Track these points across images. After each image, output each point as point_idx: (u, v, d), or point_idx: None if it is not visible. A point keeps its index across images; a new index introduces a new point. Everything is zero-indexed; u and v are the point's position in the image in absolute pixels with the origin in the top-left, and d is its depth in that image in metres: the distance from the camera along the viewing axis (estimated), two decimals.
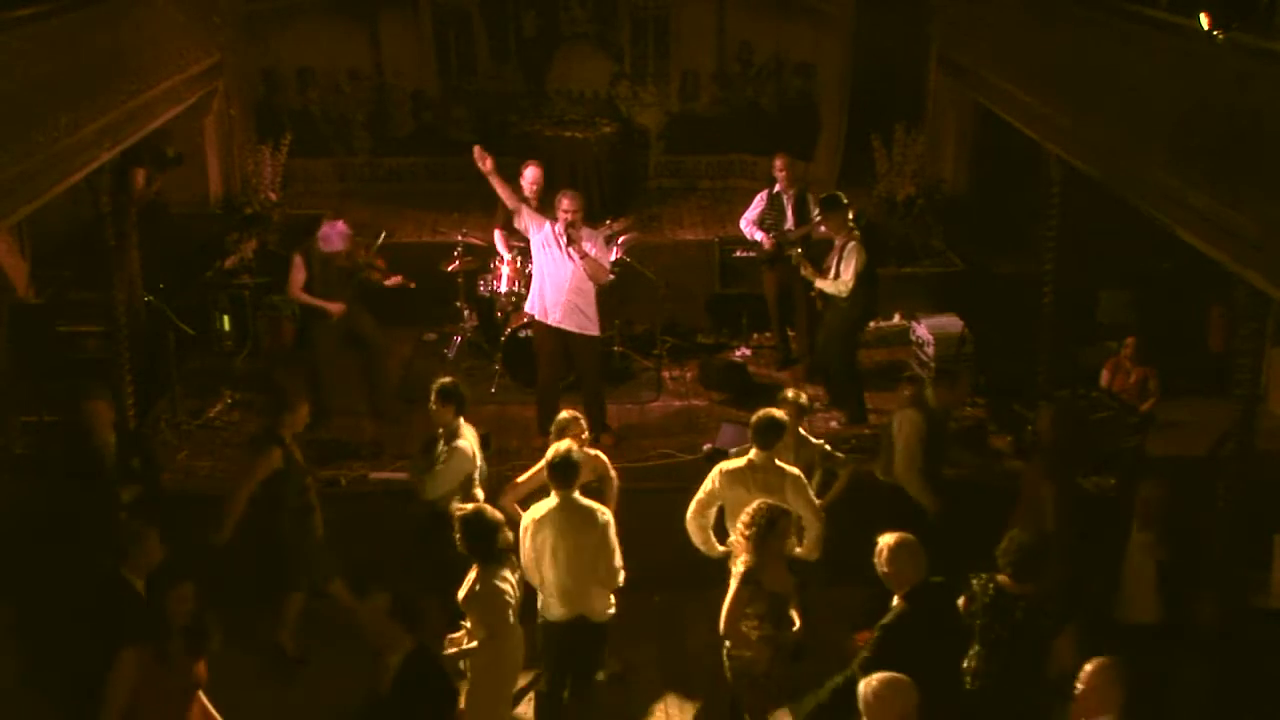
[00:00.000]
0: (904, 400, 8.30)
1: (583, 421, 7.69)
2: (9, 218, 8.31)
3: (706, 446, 9.69)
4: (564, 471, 6.90)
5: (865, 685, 5.34)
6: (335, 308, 9.89)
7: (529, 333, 10.16)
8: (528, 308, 9.72)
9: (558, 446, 7.02)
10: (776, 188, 11.08)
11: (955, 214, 12.71)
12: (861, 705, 5.32)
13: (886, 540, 6.24)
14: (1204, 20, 6.97)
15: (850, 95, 13.62)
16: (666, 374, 11.17)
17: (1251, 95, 6.97)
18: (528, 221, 9.53)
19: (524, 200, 9.94)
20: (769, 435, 7.39)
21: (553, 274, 9.47)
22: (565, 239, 9.33)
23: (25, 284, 10.76)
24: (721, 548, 7.35)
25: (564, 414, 7.73)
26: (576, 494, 6.95)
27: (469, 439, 7.87)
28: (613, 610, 7.05)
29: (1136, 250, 10.77)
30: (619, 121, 13.91)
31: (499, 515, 6.63)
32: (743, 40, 14.07)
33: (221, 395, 10.68)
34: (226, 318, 11.56)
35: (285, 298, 10.48)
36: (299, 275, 9.98)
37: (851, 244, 9.90)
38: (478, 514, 6.58)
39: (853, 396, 10.29)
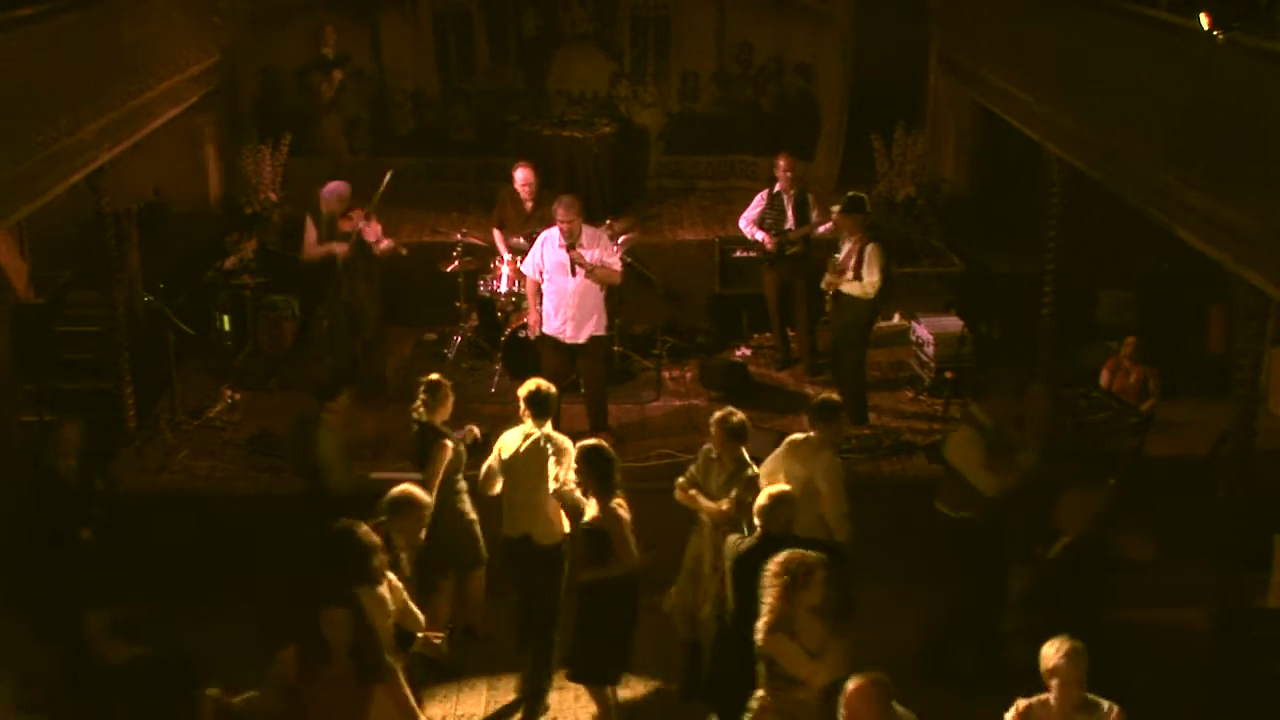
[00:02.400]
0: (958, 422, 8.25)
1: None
2: (9, 218, 8.32)
3: (706, 446, 9.70)
4: (539, 404, 7.43)
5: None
6: (340, 247, 10.13)
7: (530, 333, 10.16)
8: (546, 329, 9.67)
9: (529, 385, 7.53)
10: (777, 187, 11.07)
11: (955, 214, 12.71)
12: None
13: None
14: (1204, 20, 6.98)
15: (850, 95, 13.62)
16: (666, 374, 11.17)
17: (1251, 95, 6.97)
18: (537, 261, 9.61)
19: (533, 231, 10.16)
20: (731, 435, 7.43)
21: (559, 284, 9.49)
22: (568, 251, 9.37)
23: (25, 284, 10.75)
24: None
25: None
26: (549, 428, 7.45)
27: None
28: (560, 538, 7.45)
29: (1136, 250, 10.76)
30: (619, 121, 13.91)
31: (374, 537, 6.27)
32: (743, 41, 14.07)
33: (221, 395, 10.68)
34: (226, 318, 11.57)
35: (301, 258, 10.53)
36: (311, 235, 10.25)
37: (872, 245, 9.93)
38: (348, 531, 6.19)
39: (859, 397, 10.31)
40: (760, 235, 11.02)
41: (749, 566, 6.34)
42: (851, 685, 5.28)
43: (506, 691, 7.77)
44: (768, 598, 5.90)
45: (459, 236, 11.31)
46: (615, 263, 9.69)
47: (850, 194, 10.30)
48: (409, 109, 14.15)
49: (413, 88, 14.12)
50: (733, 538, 6.80)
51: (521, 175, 10.94)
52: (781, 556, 5.93)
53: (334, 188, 10.32)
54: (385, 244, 10.36)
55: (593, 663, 7.13)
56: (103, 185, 9.41)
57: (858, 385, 10.31)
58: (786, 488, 6.70)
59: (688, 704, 7.51)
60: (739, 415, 7.45)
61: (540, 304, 9.66)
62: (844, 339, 10.29)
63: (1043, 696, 5.50)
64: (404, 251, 10.79)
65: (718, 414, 7.48)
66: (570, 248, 9.41)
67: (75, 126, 8.68)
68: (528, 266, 9.72)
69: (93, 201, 9.50)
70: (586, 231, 9.60)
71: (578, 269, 9.42)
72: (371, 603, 6.10)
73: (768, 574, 5.91)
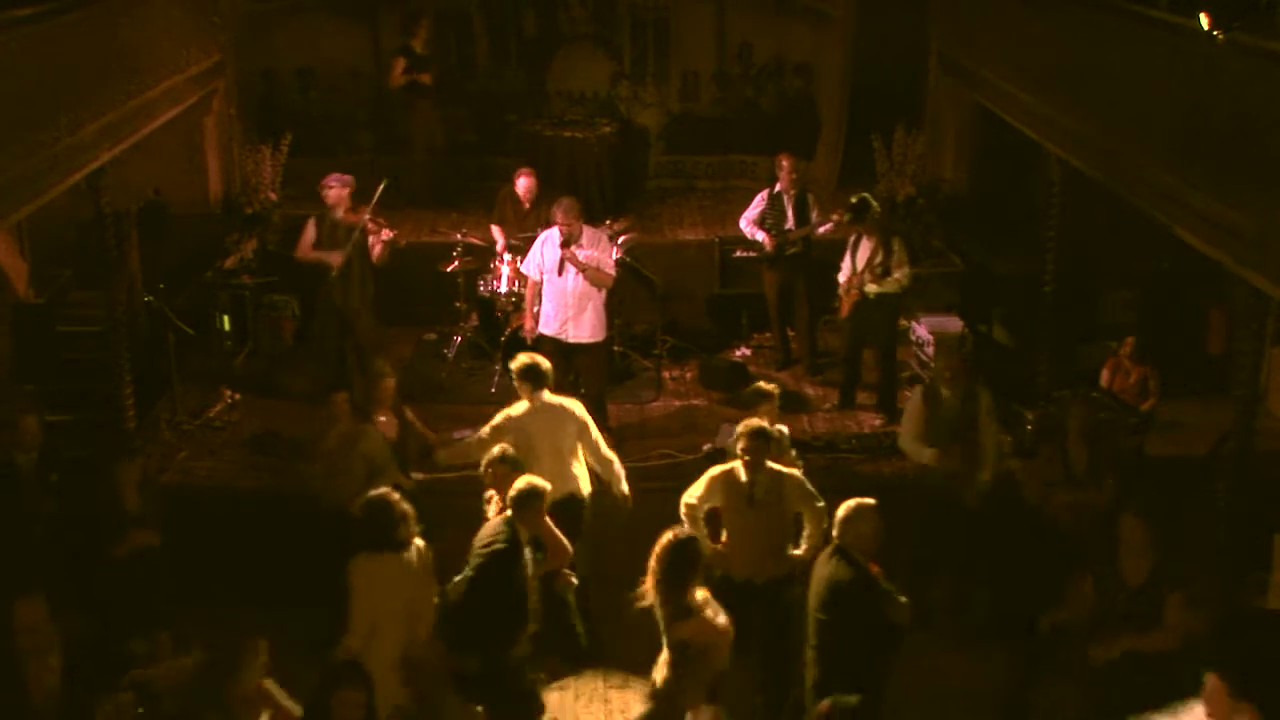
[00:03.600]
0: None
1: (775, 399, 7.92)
2: (9, 218, 8.32)
3: (707, 446, 9.72)
4: (533, 375, 7.72)
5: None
6: (335, 258, 10.05)
7: (526, 335, 10.16)
8: (542, 328, 9.67)
9: (520, 358, 7.85)
10: (777, 187, 11.08)
11: (955, 214, 12.71)
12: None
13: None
14: (1204, 20, 6.98)
15: (850, 95, 13.62)
16: (666, 374, 11.17)
17: (1251, 95, 6.97)
18: (538, 261, 9.59)
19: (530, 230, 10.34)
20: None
21: (557, 285, 9.48)
22: (561, 249, 9.37)
23: (25, 284, 10.75)
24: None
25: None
26: (547, 394, 7.76)
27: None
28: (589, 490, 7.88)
29: (1136, 250, 10.76)
30: (619, 121, 13.91)
31: (406, 506, 6.54)
32: (743, 41, 14.07)
33: (221, 395, 10.68)
34: (226, 318, 11.58)
35: (294, 256, 10.56)
36: (309, 236, 10.23)
37: (895, 238, 10.15)
38: (382, 499, 6.52)
39: (893, 391, 10.44)
40: (760, 235, 11.03)
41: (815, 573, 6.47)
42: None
43: None
44: (664, 588, 6.06)
45: (459, 236, 11.32)
46: (609, 264, 9.68)
47: (854, 199, 10.32)
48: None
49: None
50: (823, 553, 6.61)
51: (523, 184, 10.97)
52: (661, 547, 6.12)
53: (341, 176, 10.30)
54: (386, 233, 10.29)
55: None
56: (103, 185, 9.40)
57: (892, 380, 10.47)
58: (871, 501, 6.46)
59: None
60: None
61: (538, 306, 9.65)
62: (875, 336, 10.32)
63: None
64: (402, 244, 10.79)
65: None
66: (565, 246, 9.40)
67: (75, 126, 8.67)
68: (528, 267, 9.72)
69: (93, 201, 9.48)
70: (587, 232, 9.60)
71: (567, 267, 9.40)
72: (394, 569, 6.32)
73: (655, 566, 6.09)
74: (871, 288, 10.07)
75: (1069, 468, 8.06)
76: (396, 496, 6.53)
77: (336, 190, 10.18)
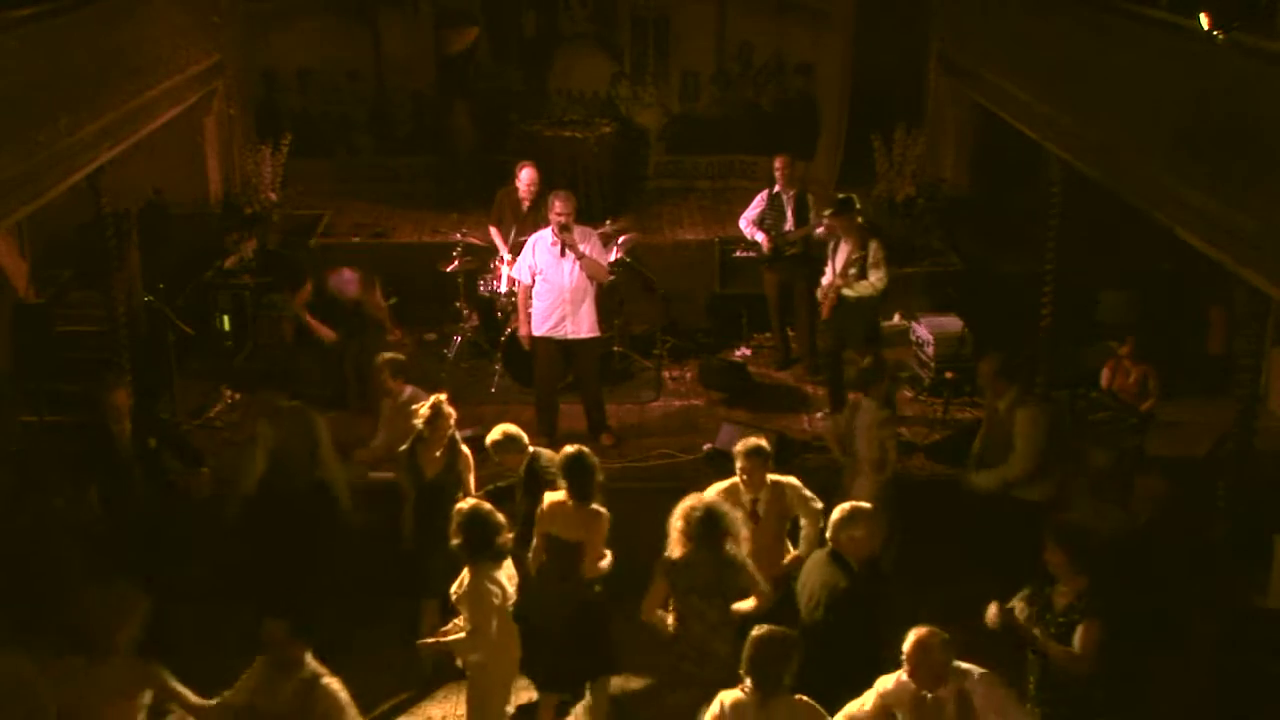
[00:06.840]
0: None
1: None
2: (9, 218, 8.31)
3: (707, 446, 9.72)
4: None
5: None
6: (328, 334, 10.11)
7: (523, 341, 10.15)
8: (535, 329, 9.64)
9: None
10: (776, 188, 11.08)
11: (955, 214, 12.71)
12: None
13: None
14: (1204, 20, 6.98)
15: (850, 95, 13.63)
16: (666, 374, 11.17)
17: (1251, 95, 6.97)
18: (530, 263, 9.57)
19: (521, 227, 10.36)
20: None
21: (553, 281, 9.47)
22: (560, 242, 9.35)
23: (25, 284, 10.75)
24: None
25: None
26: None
27: None
28: None
29: (1136, 250, 10.76)
30: (619, 121, 13.93)
31: (500, 516, 6.67)
32: (743, 40, 14.09)
33: (221, 395, 10.68)
34: (226, 318, 11.57)
35: (285, 300, 10.56)
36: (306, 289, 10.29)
37: (874, 241, 10.00)
38: (478, 511, 6.60)
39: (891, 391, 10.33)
40: (759, 236, 11.02)
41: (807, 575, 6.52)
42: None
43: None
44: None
45: (459, 236, 11.32)
46: (605, 261, 9.67)
47: (840, 196, 10.31)
48: (409, 109, 14.15)
49: (413, 88, 14.13)
50: (816, 554, 6.70)
51: (527, 175, 10.94)
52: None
53: (350, 276, 10.34)
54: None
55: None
56: (103, 185, 9.40)
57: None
58: (866, 505, 6.54)
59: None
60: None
61: (529, 307, 9.62)
62: (855, 340, 10.22)
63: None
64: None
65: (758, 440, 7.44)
66: (564, 229, 9.38)
67: (75, 126, 8.67)
68: (519, 270, 9.69)
69: (93, 201, 9.49)
70: (578, 229, 9.58)
71: (568, 251, 9.38)
72: (483, 577, 6.46)
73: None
74: (847, 291, 10.04)
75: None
76: (489, 507, 6.65)
77: (353, 290, 10.32)
